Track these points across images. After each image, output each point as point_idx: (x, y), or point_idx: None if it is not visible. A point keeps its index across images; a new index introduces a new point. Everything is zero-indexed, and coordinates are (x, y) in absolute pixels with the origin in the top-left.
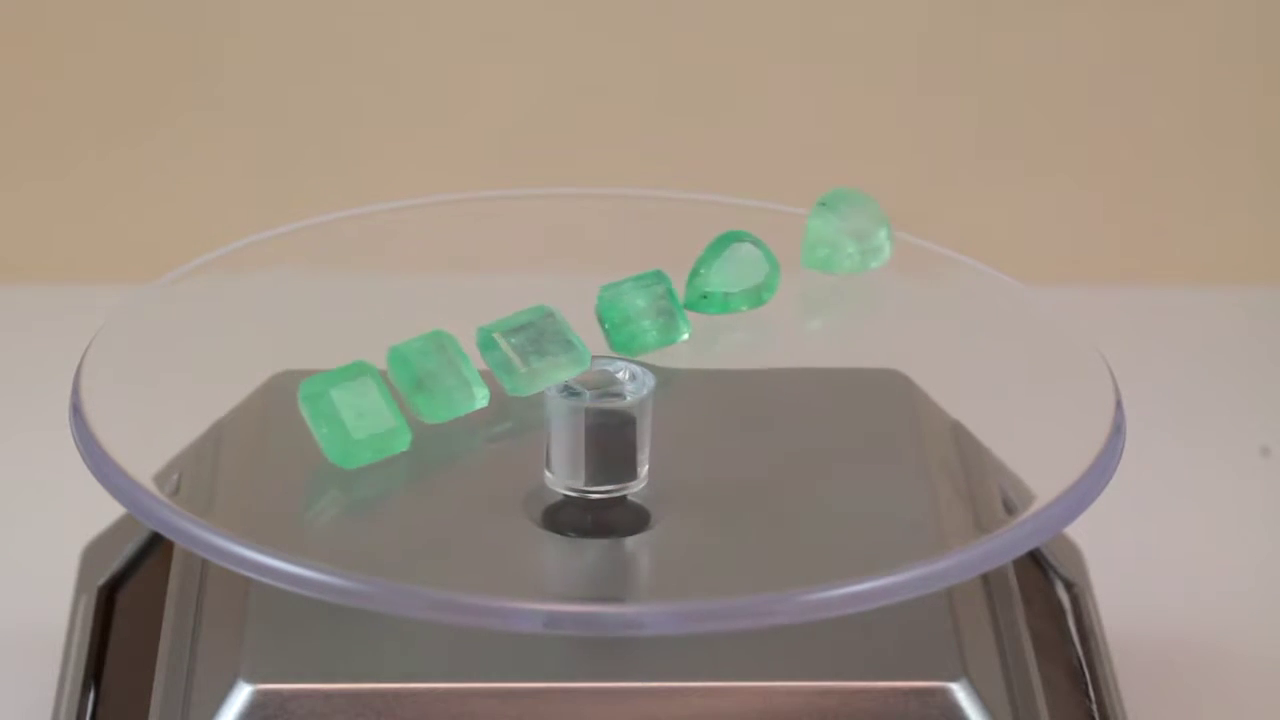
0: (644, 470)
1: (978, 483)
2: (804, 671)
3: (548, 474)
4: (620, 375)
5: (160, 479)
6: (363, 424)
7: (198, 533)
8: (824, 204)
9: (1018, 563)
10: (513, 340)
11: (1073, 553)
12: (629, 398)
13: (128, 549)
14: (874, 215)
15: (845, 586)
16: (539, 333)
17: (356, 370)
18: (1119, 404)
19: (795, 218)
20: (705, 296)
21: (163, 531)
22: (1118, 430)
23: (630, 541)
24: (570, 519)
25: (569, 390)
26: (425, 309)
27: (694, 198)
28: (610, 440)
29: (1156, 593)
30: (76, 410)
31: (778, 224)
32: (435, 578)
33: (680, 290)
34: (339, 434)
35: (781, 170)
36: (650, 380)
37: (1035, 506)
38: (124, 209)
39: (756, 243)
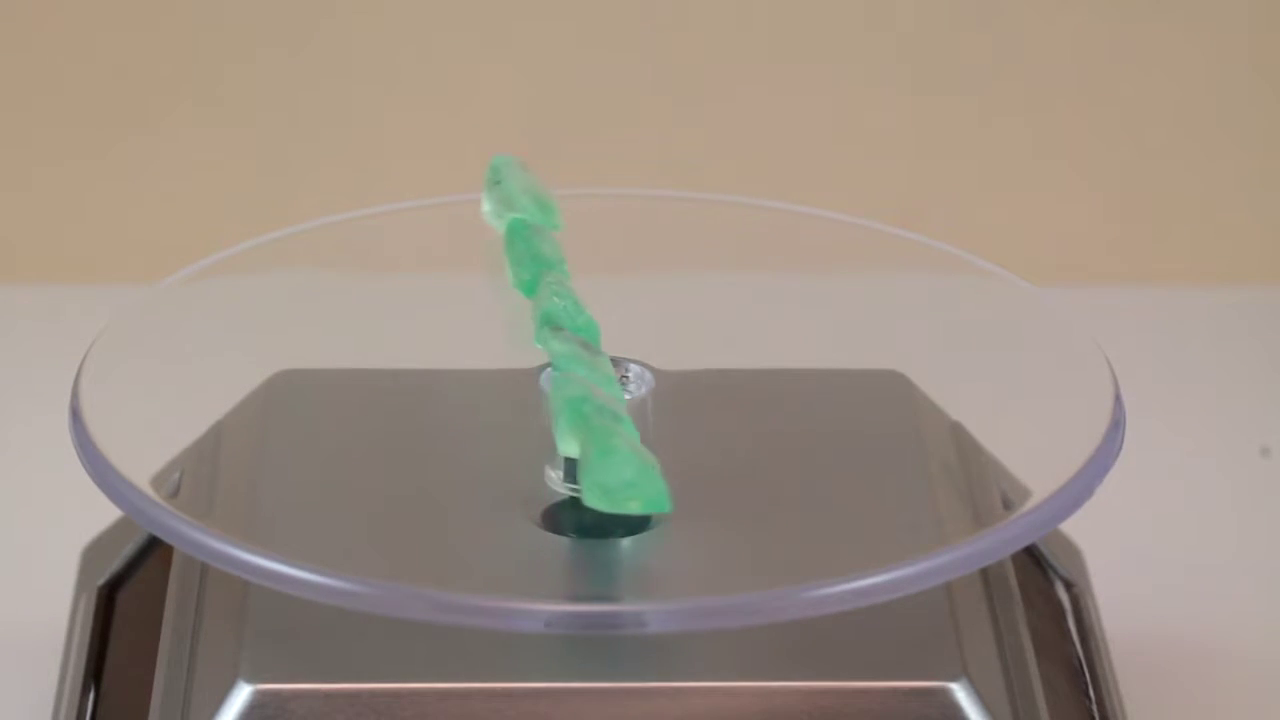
0: None
1: (977, 482)
2: (804, 671)
3: (548, 474)
4: (621, 375)
5: (161, 479)
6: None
7: (198, 538)
8: (495, 168)
9: (1017, 562)
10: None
11: (1073, 552)
12: (630, 397)
13: (128, 549)
14: (530, 177)
15: (848, 582)
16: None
17: (614, 439)
18: (1118, 399)
19: (798, 217)
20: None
21: (164, 537)
22: (1116, 425)
23: (630, 541)
24: (570, 519)
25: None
26: (425, 309)
27: (693, 197)
28: None
29: (1156, 593)
30: (76, 414)
31: (780, 223)
32: (436, 578)
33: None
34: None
35: (783, 170)
36: (650, 380)
37: (1035, 499)
38: (124, 209)
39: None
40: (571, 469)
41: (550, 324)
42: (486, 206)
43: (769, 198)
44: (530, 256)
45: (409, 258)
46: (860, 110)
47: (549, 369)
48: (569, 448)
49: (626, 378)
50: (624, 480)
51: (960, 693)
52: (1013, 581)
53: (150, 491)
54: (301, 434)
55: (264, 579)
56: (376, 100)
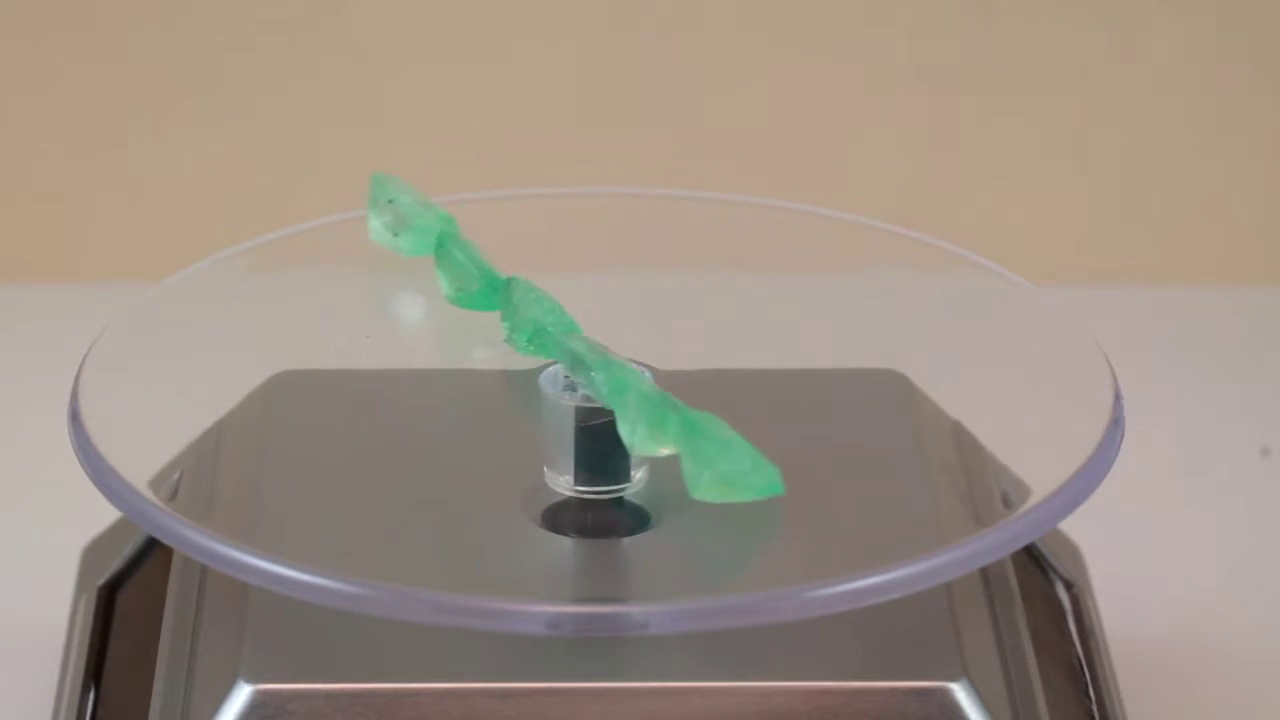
0: (644, 470)
1: (978, 482)
2: (804, 671)
3: (548, 474)
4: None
5: (160, 479)
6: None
7: (197, 540)
8: (381, 185)
9: (1017, 562)
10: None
11: (1073, 552)
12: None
13: (127, 549)
14: (416, 191)
15: (848, 582)
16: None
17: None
18: (1118, 396)
19: (798, 215)
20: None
21: (163, 539)
22: (1116, 423)
23: (630, 541)
24: (570, 519)
25: (570, 390)
26: (425, 309)
27: (693, 196)
28: (611, 440)
29: (1156, 593)
30: (75, 415)
31: (780, 222)
32: (436, 579)
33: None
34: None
35: (783, 169)
36: (650, 380)
37: (1035, 499)
38: (124, 209)
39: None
40: (594, 466)
41: (539, 328)
42: (375, 224)
43: (769, 196)
44: (475, 268)
45: (409, 258)
46: (860, 110)
47: (551, 369)
48: (650, 445)
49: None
50: (743, 469)
51: (960, 693)
52: (1013, 581)
53: (149, 494)
54: (301, 434)
55: (263, 581)
56: (377, 100)
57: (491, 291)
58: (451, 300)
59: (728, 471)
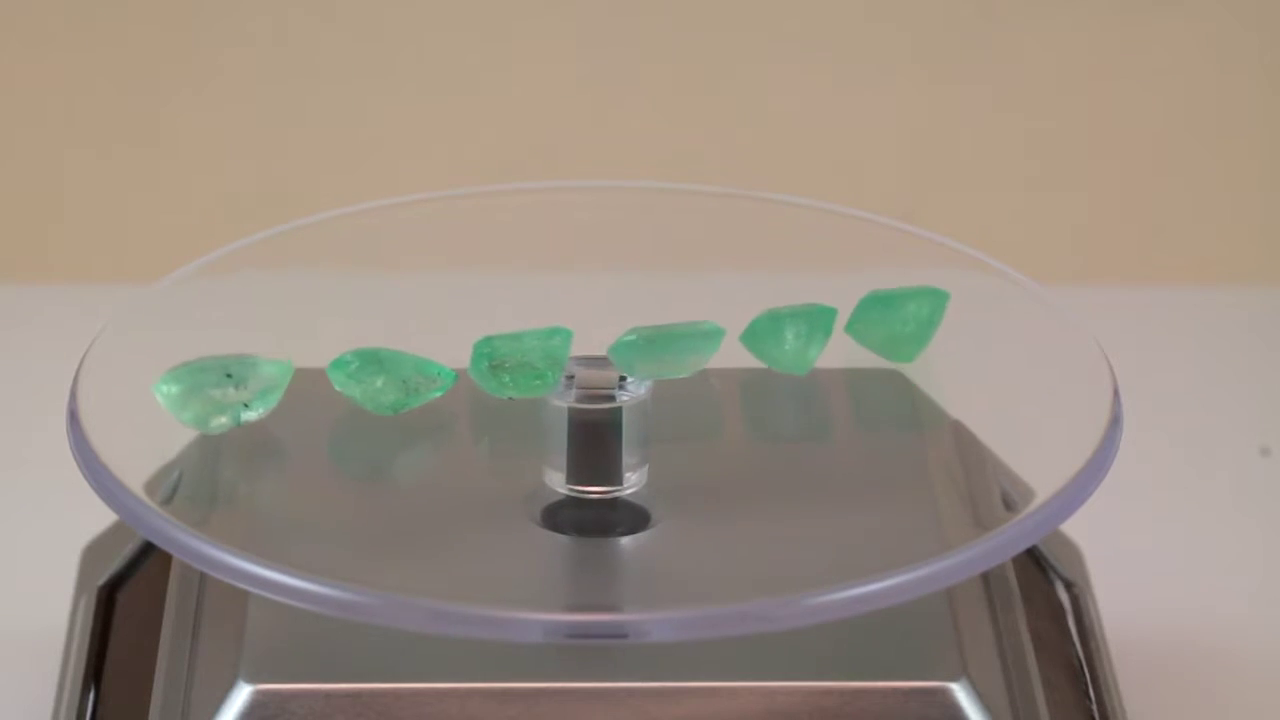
0: (644, 470)
1: (978, 482)
2: (804, 671)
3: (548, 474)
4: (621, 374)
5: (159, 479)
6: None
7: (197, 546)
8: (178, 379)
9: (1018, 562)
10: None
11: (1073, 553)
12: (629, 397)
13: (128, 549)
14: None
15: (849, 589)
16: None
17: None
18: (1116, 394)
19: (799, 210)
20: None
21: (160, 544)
22: (1116, 421)
23: (630, 541)
24: (570, 519)
25: (569, 390)
26: (426, 308)
27: (693, 190)
28: (610, 440)
29: (1156, 593)
30: (73, 417)
31: (786, 218)
32: (437, 582)
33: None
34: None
35: (783, 166)
36: (649, 379)
37: (1034, 503)
38: (124, 209)
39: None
40: (593, 465)
41: (552, 359)
42: (198, 413)
43: (769, 192)
44: (410, 365)
45: (410, 255)
46: (860, 107)
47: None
48: (810, 354)
49: (626, 378)
50: (924, 311)
51: (960, 693)
52: (1013, 582)
53: (146, 498)
54: (301, 434)
55: (261, 588)
56: (378, 98)
57: (436, 375)
58: (394, 409)
59: (923, 318)
